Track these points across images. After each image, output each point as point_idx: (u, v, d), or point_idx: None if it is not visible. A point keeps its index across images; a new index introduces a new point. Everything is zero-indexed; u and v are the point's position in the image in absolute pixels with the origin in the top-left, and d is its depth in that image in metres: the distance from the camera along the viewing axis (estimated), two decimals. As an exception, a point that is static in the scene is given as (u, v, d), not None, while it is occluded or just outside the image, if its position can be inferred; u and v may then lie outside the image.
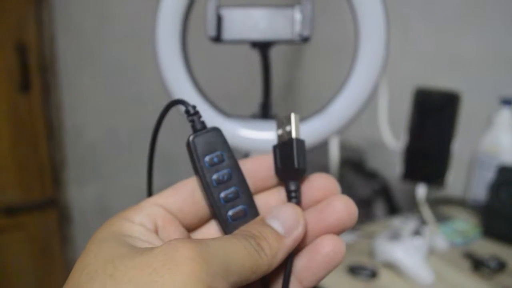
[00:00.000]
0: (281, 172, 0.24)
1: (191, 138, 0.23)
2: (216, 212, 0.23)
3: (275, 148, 0.25)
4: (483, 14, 1.05)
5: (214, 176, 0.23)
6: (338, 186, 0.24)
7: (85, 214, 1.45)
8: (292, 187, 0.24)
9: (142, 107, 1.46)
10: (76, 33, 1.33)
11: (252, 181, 0.25)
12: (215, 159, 0.23)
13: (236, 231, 0.21)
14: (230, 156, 0.24)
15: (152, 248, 0.17)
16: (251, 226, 0.21)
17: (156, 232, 0.22)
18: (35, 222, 1.40)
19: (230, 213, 0.23)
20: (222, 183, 0.23)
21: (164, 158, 1.45)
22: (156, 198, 0.23)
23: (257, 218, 0.22)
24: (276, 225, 0.22)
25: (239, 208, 0.24)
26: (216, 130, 0.24)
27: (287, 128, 0.25)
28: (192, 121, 0.24)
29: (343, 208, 0.23)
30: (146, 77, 1.40)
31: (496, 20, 1.02)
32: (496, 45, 1.03)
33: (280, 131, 0.25)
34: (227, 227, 0.23)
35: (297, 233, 0.22)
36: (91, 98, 1.39)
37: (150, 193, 0.27)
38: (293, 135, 0.24)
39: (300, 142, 0.24)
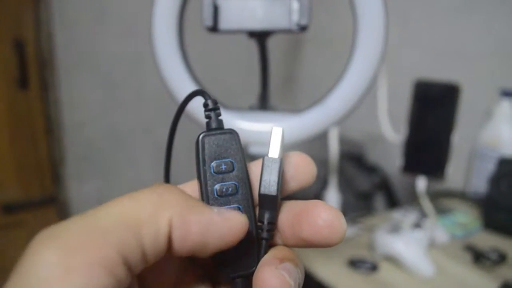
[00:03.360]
0: (258, 193, 0.20)
1: (201, 136, 0.21)
2: None
3: (263, 160, 0.21)
4: (484, 5, 1.04)
5: (217, 186, 0.20)
6: (313, 164, 0.22)
7: (85, 211, 1.45)
8: (265, 218, 0.20)
9: (141, 103, 1.46)
10: (74, 29, 1.33)
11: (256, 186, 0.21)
12: (223, 167, 0.20)
13: None
14: (240, 168, 0.21)
15: None
16: None
17: None
18: (35, 220, 1.40)
19: None
20: (223, 196, 0.20)
21: (161, 153, 1.45)
22: None
23: None
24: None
25: None
26: (233, 134, 0.21)
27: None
28: (208, 117, 0.21)
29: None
30: (144, 73, 1.40)
31: (496, 11, 1.02)
32: (496, 36, 1.02)
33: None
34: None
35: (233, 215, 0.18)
36: (90, 95, 1.39)
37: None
38: (269, 153, 0.20)
39: (274, 162, 0.20)
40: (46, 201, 1.41)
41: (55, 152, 1.38)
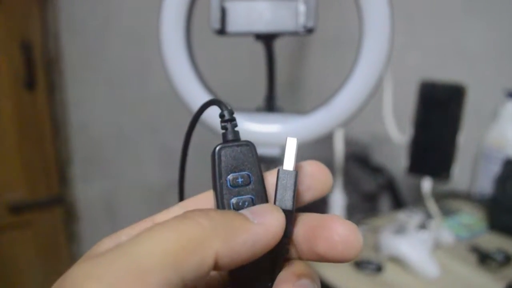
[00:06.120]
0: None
1: (217, 148, 0.20)
2: None
3: (278, 172, 0.20)
4: (489, 6, 1.04)
5: (233, 200, 0.20)
6: (330, 174, 0.22)
7: (92, 211, 1.46)
8: None
9: (147, 104, 1.46)
10: (81, 30, 1.33)
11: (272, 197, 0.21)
12: (240, 180, 0.20)
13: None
14: (257, 181, 0.20)
15: None
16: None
17: None
18: (42, 220, 1.41)
19: None
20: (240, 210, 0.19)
21: (167, 154, 1.46)
22: (159, 219, 0.20)
23: None
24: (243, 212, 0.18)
25: None
26: (250, 146, 0.20)
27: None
28: (224, 128, 0.21)
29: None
30: (151, 74, 1.41)
31: (502, 12, 1.02)
32: (502, 37, 1.02)
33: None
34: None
35: (271, 219, 0.18)
36: (96, 95, 1.40)
37: (181, 198, 0.25)
38: (284, 165, 0.20)
39: (289, 175, 0.20)
40: (52, 202, 1.42)
41: (62, 152, 1.39)
